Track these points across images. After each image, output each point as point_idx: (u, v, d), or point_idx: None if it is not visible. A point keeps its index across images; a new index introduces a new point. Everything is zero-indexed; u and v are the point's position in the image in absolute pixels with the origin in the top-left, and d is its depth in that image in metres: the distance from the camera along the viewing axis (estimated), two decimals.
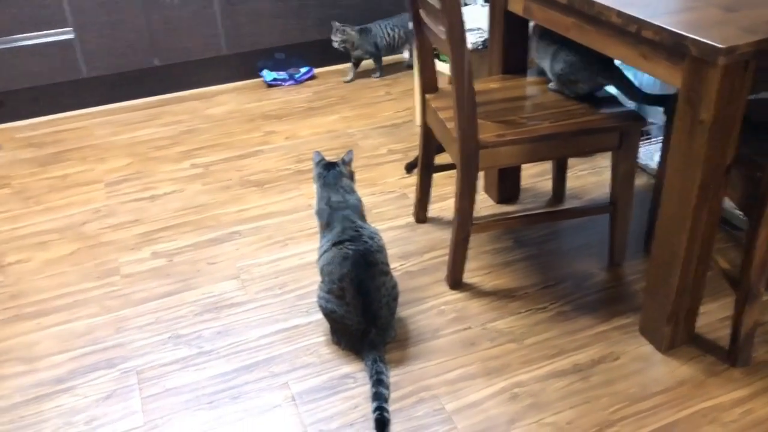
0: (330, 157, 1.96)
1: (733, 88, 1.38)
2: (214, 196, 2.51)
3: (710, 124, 1.41)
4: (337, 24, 3.28)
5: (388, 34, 3.35)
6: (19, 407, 1.66)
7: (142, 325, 1.91)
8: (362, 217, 1.83)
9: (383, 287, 1.69)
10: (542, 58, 1.99)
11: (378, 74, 3.45)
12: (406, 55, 3.53)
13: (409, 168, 2.51)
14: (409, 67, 3.50)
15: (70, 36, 3.02)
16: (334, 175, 1.85)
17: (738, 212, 2.17)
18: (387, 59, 3.67)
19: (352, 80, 3.42)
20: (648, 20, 1.46)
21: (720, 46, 1.32)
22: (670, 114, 1.84)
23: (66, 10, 2.96)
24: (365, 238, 1.72)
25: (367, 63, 3.48)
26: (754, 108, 1.81)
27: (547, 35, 1.93)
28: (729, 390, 1.61)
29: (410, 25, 3.28)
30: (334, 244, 1.72)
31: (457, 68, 1.64)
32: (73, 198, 2.54)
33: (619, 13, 1.53)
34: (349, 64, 3.45)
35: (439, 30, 1.72)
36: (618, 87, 1.88)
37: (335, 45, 3.31)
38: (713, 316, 1.82)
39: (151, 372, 1.75)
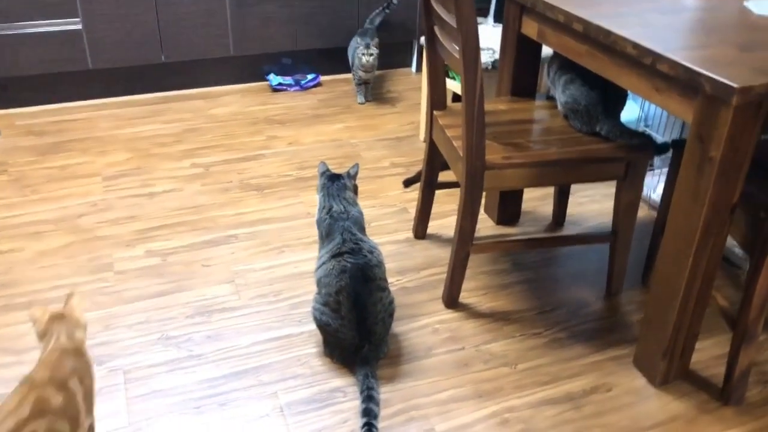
0: (333, 167, 1.95)
1: (744, 128, 1.38)
2: (212, 197, 2.49)
3: (719, 161, 1.41)
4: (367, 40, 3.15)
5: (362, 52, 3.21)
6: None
7: (132, 324, 1.88)
8: (363, 230, 1.82)
9: (380, 303, 1.68)
10: (554, 85, 1.99)
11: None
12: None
13: (408, 183, 2.50)
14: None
15: (78, 27, 3.00)
16: (338, 186, 1.84)
17: (737, 250, 2.17)
18: (393, 71, 3.68)
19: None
20: (664, 54, 1.46)
21: (734, 85, 1.32)
22: (679, 151, 1.84)
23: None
24: (365, 252, 1.70)
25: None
26: (762, 148, 1.82)
27: (565, 66, 1.93)
28: (720, 429, 1.60)
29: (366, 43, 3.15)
30: (333, 256, 1.71)
31: (469, 87, 1.64)
32: (70, 189, 2.52)
33: (635, 45, 1.53)
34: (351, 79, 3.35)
35: (452, 47, 1.71)
36: (612, 138, 1.85)
37: (369, 61, 3.14)
38: (708, 353, 1.82)
39: (138, 372, 1.73)
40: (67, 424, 1.25)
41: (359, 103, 3.29)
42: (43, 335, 1.38)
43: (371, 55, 3.14)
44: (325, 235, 1.79)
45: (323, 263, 1.73)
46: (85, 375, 1.34)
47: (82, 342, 1.39)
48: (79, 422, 1.29)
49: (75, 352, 1.36)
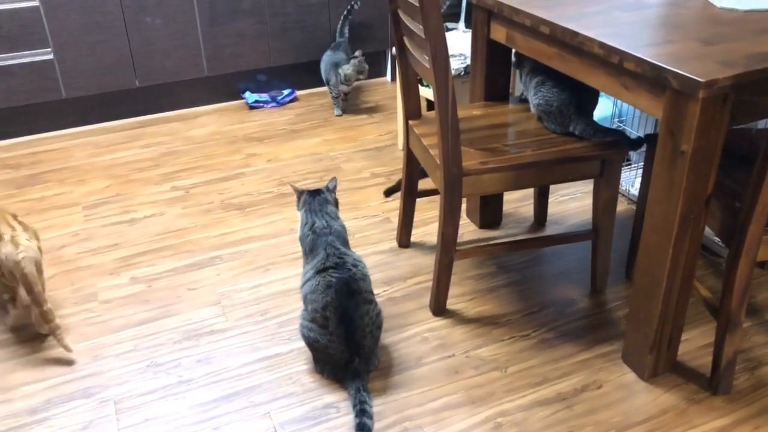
0: (313, 181, 1.95)
1: (713, 120, 1.40)
2: (194, 219, 2.49)
3: (691, 155, 1.43)
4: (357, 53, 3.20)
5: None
6: None
7: (120, 353, 1.87)
8: (346, 244, 1.82)
9: (366, 316, 1.68)
10: (526, 88, 2.01)
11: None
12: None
13: (388, 193, 2.51)
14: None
15: (49, 56, 2.99)
16: (319, 201, 1.84)
17: (716, 238, 2.19)
18: (368, 81, 3.69)
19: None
20: (630, 52, 1.48)
21: (700, 79, 1.34)
22: (653, 145, 1.86)
23: (46, 30, 2.93)
24: (349, 266, 1.70)
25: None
26: (733, 138, 1.85)
27: (536, 67, 1.94)
28: (711, 418, 1.61)
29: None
30: (318, 272, 1.71)
31: (441, 96, 1.65)
32: (50, 221, 2.50)
33: (602, 44, 1.55)
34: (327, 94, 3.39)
35: (423, 58, 1.72)
36: (586, 137, 1.87)
37: (365, 71, 3.21)
38: (694, 344, 1.83)
39: (129, 402, 1.71)
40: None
41: (336, 116, 3.30)
42: None
43: (365, 67, 3.18)
44: (309, 251, 1.79)
45: (308, 279, 1.73)
46: None
47: None
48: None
49: None
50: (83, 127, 3.24)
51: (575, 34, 1.62)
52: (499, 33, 1.97)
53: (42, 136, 3.17)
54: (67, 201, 2.63)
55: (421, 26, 1.60)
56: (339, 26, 3.37)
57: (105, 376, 1.79)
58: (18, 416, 1.68)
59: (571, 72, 1.72)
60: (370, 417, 1.59)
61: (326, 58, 3.29)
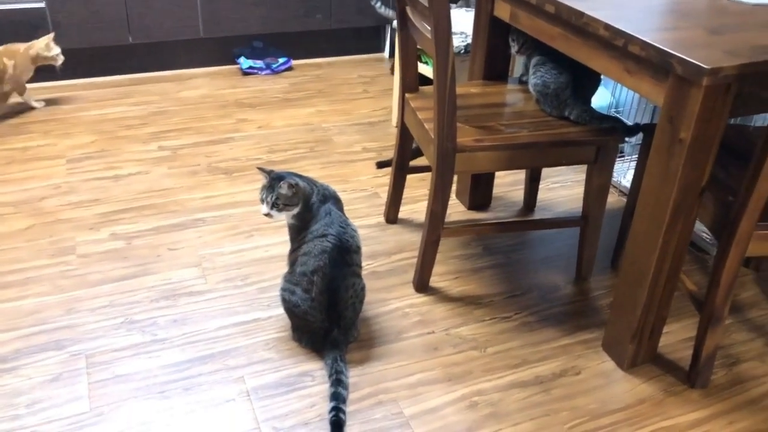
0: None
1: (714, 109, 1.38)
2: (180, 180, 2.44)
3: (689, 143, 1.40)
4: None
5: None
6: None
7: (95, 307, 1.83)
8: (343, 212, 1.77)
9: (351, 288, 1.65)
10: (524, 66, 1.98)
11: None
12: None
13: (380, 165, 2.47)
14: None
15: (41, 5, 2.91)
16: (305, 178, 1.77)
17: (704, 235, 2.19)
18: (366, 56, 3.65)
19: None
20: (635, 35, 1.45)
21: (704, 66, 1.32)
22: (649, 135, 1.85)
23: None
24: (348, 237, 1.66)
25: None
26: (730, 133, 1.83)
27: (537, 47, 1.91)
28: (686, 411, 1.61)
29: None
30: (317, 237, 1.65)
31: (440, 68, 1.62)
32: (32, 172, 2.45)
33: (607, 26, 1.52)
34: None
35: (424, 28, 1.69)
36: (581, 123, 1.84)
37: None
38: (675, 337, 1.83)
39: (101, 357, 1.68)
40: None
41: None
42: None
43: None
44: (310, 218, 1.72)
45: (305, 242, 1.67)
46: None
47: None
48: None
49: None
50: (72, 81, 3.18)
51: (581, 14, 1.59)
52: (503, 10, 1.93)
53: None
54: (51, 153, 2.57)
55: None
56: None
57: (78, 329, 1.76)
58: None
59: (574, 53, 1.69)
60: (346, 387, 1.56)
61: None
